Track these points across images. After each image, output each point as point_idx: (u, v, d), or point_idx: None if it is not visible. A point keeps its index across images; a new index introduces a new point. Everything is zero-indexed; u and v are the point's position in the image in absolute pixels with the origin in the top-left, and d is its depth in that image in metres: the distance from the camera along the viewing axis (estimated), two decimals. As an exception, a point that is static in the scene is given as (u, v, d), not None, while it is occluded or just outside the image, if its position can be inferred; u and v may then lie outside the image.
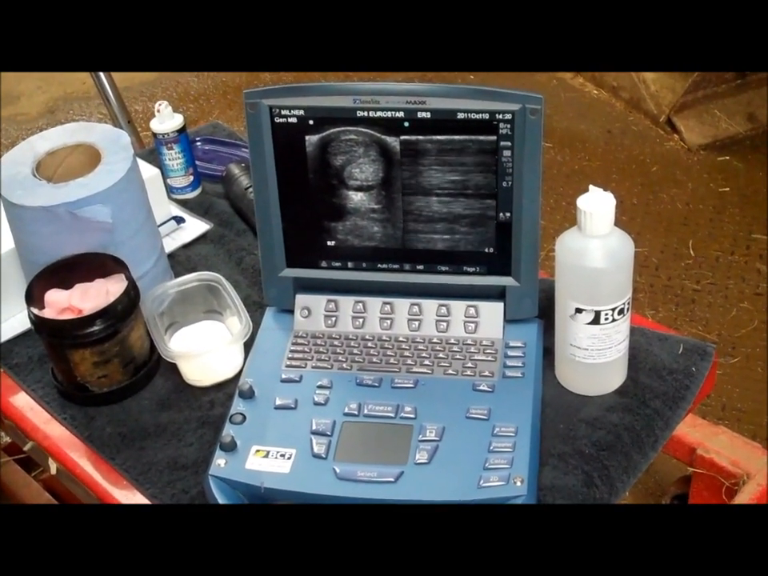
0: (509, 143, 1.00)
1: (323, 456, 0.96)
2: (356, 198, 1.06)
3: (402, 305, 1.09)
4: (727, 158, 2.61)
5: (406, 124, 1.02)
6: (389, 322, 1.09)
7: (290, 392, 1.03)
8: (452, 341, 1.07)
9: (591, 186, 0.96)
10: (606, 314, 0.98)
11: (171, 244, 1.30)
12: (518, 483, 0.91)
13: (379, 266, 1.10)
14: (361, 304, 1.10)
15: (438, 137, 1.02)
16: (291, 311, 1.11)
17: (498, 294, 1.08)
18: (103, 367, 1.07)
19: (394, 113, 1.01)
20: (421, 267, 1.09)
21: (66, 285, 1.09)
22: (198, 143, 1.52)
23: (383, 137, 1.03)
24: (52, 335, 1.06)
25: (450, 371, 1.04)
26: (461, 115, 1.00)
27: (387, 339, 1.08)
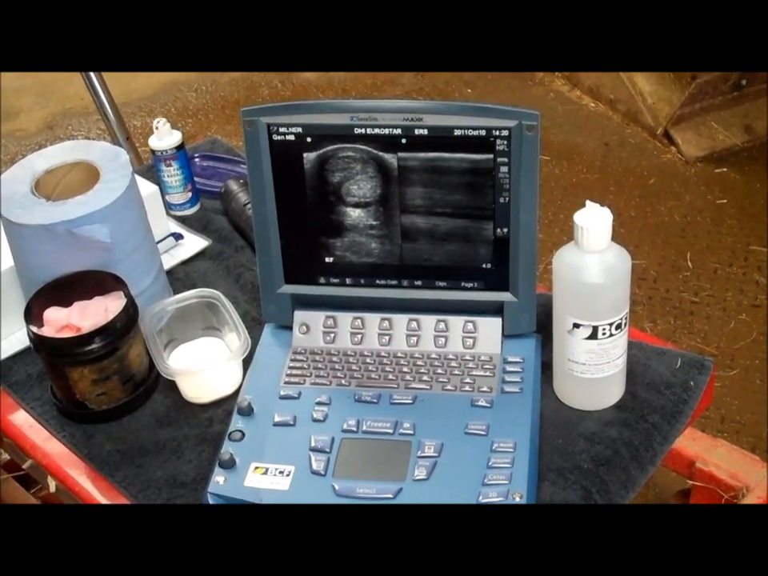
0: (506, 159, 1.01)
1: (322, 473, 0.96)
2: (354, 214, 1.07)
3: (401, 320, 1.09)
4: (725, 169, 2.61)
5: (404, 141, 1.02)
6: (387, 337, 1.09)
7: (288, 409, 1.03)
8: (450, 356, 1.07)
9: (588, 202, 0.97)
10: (604, 329, 0.98)
11: (170, 261, 1.31)
12: (517, 499, 0.91)
13: (377, 282, 1.10)
14: (359, 320, 1.10)
15: (435, 153, 1.02)
16: (290, 328, 1.12)
17: (496, 309, 1.08)
18: (102, 385, 1.08)
19: (391, 130, 1.02)
20: (419, 283, 1.09)
21: (65, 303, 1.09)
22: (197, 159, 1.53)
23: (381, 154, 1.03)
24: (51, 353, 1.07)
25: (449, 387, 1.04)
26: (458, 132, 1.01)
27: (386, 355, 1.08)
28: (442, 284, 1.09)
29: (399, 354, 1.08)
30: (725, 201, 2.51)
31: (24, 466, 1.16)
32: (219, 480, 0.96)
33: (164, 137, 1.36)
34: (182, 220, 1.40)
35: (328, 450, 0.98)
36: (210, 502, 0.95)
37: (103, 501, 1.03)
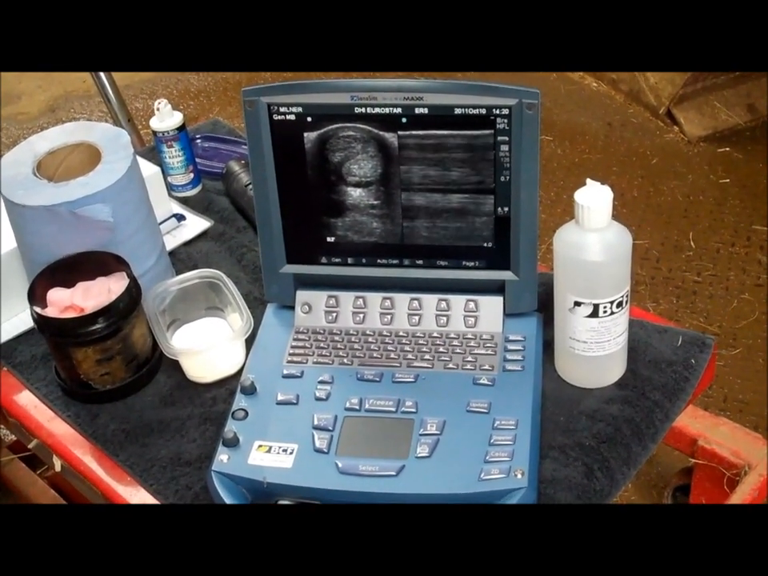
0: (506, 138, 1.01)
1: (325, 450, 0.96)
2: (355, 194, 1.07)
3: (402, 300, 1.10)
4: (727, 149, 2.61)
5: (404, 120, 1.02)
6: (389, 317, 1.10)
7: (291, 387, 1.03)
8: (452, 335, 1.08)
9: (588, 180, 0.97)
10: (605, 307, 0.99)
11: (172, 242, 1.31)
12: (519, 476, 0.92)
13: (379, 261, 1.10)
14: (361, 299, 1.10)
15: (436, 132, 1.02)
16: (292, 307, 1.12)
17: (497, 288, 1.08)
18: (106, 365, 1.08)
19: (391, 109, 1.02)
20: (420, 262, 1.10)
21: (68, 283, 1.10)
22: (198, 140, 1.53)
23: (381, 133, 1.03)
24: (55, 334, 1.07)
25: (451, 365, 1.05)
26: (458, 111, 1.01)
27: (388, 334, 1.09)
28: (443, 263, 1.09)
29: (401, 333, 1.09)
30: (727, 180, 2.50)
31: (29, 446, 1.16)
32: (223, 458, 0.97)
33: (165, 118, 1.36)
34: (184, 201, 1.40)
35: (331, 428, 0.98)
36: (214, 480, 0.96)
37: (108, 480, 1.04)
